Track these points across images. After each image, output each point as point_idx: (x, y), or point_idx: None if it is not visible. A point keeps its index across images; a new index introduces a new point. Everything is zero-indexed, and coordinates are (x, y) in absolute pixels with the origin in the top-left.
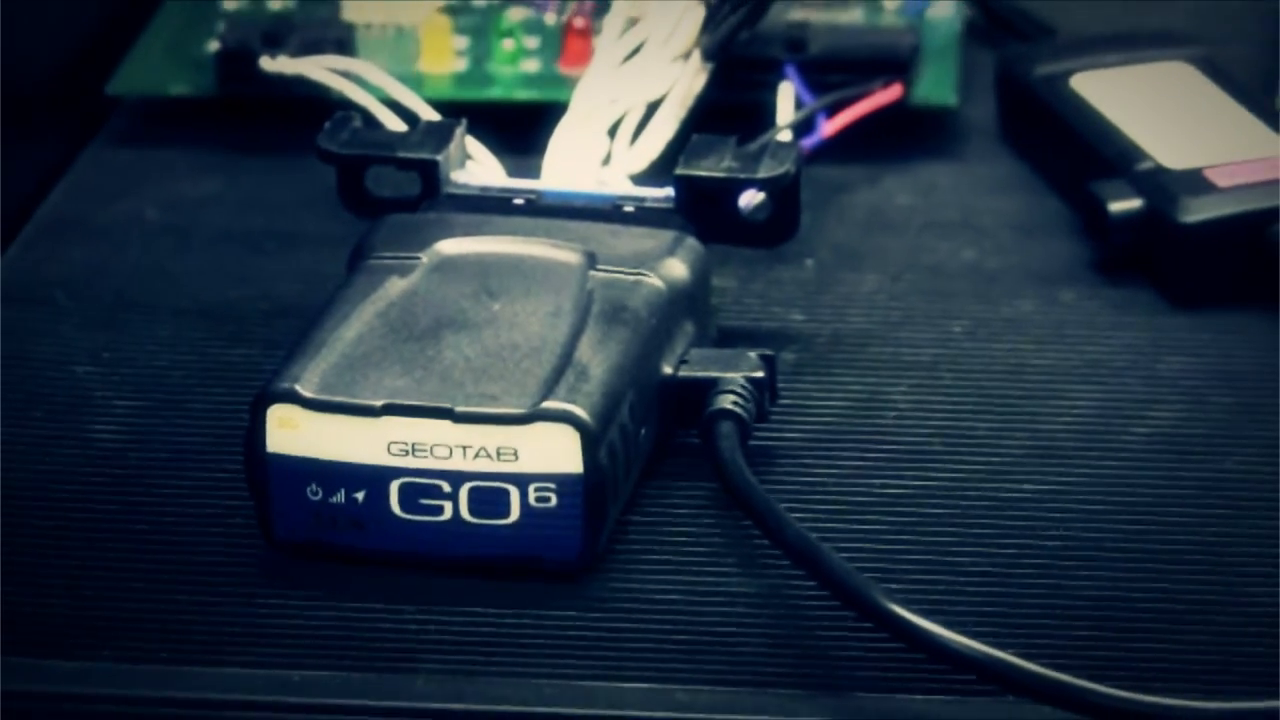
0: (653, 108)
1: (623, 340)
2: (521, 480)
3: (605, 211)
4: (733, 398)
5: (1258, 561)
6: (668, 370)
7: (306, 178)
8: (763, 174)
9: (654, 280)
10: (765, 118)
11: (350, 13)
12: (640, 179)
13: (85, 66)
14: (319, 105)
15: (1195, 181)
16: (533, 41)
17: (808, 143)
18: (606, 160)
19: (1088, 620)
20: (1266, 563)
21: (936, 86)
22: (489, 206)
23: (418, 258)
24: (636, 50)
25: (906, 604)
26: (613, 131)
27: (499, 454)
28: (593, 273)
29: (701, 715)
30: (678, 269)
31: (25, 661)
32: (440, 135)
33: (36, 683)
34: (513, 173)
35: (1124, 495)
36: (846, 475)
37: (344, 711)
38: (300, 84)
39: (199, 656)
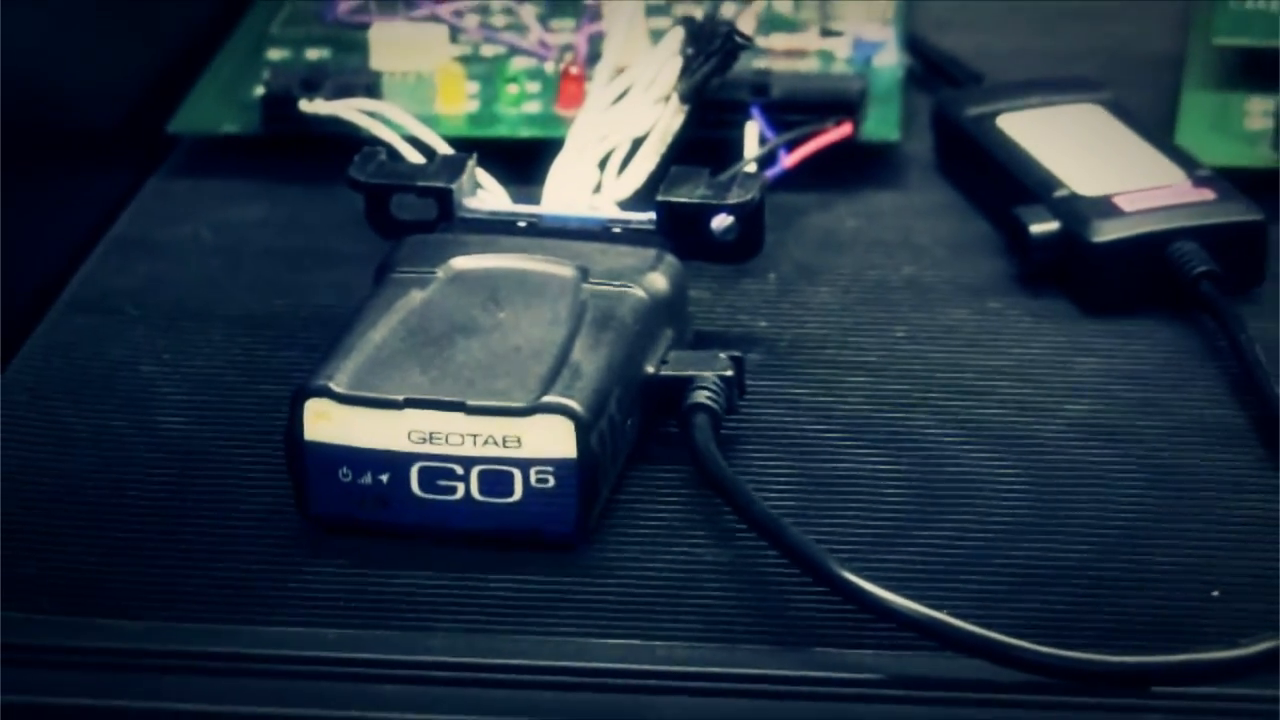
0: (637, 143)
1: (611, 343)
2: (524, 464)
3: (596, 233)
4: (706, 393)
5: (1159, 532)
6: (650, 369)
7: (339, 204)
8: (732, 200)
9: (638, 292)
10: (734, 152)
11: (377, 62)
12: (626, 205)
13: (149, 109)
14: (350, 141)
15: (1104, 207)
16: (534, 86)
17: (770, 173)
18: (597, 189)
19: (1015, 584)
20: (1166, 533)
21: (881, 125)
22: (496, 228)
23: (434, 272)
24: (623, 94)
25: (856, 571)
26: (603, 164)
27: (504, 441)
28: (585, 285)
29: (679, 667)
30: (659, 282)
31: (95, 622)
32: (454, 167)
33: (108, 640)
34: (516, 199)
35: (1045, 476)
36: (805, 460)
37: (370, 665)
38: (334, 123)
39: (246, 616)
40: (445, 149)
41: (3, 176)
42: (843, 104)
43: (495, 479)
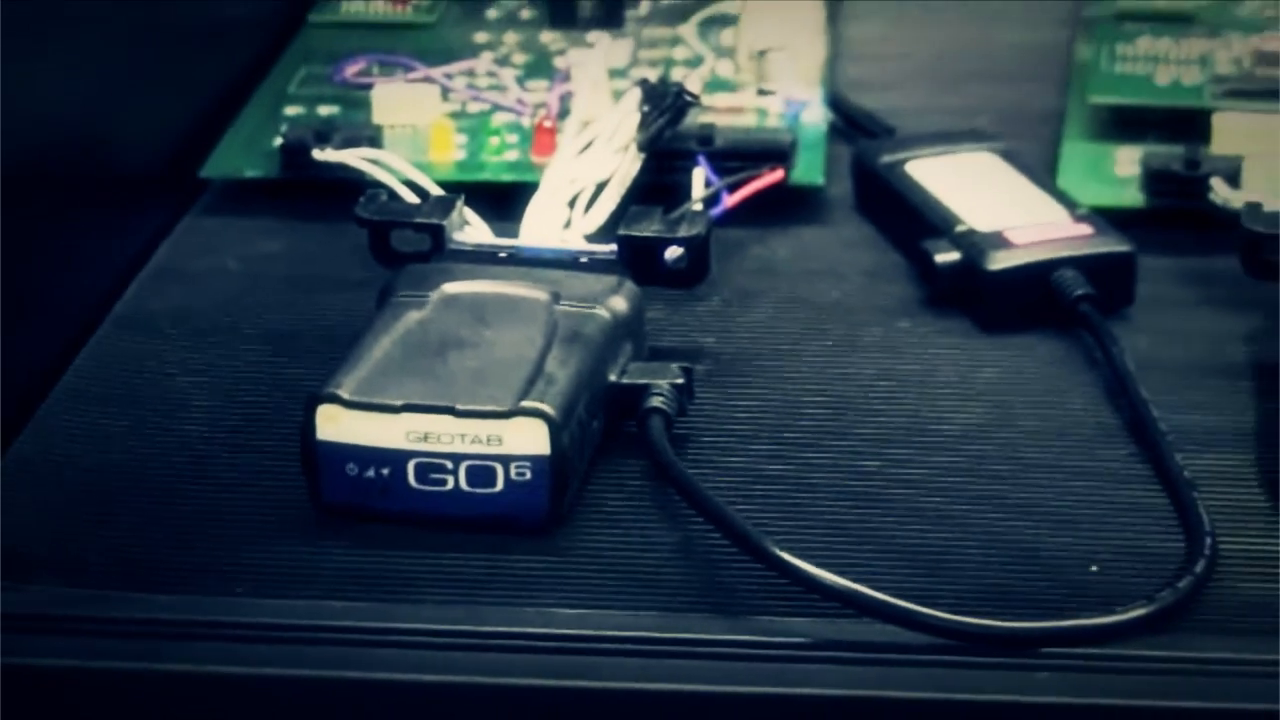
0: (601, 186)
1: (579, 356)
2: (505, 460)
3: (566, 262)
4: (660, 399)
5: (1046, 516)
6: (612, 378)
7: (346, 238)
8: (682, 234)
9: (602, 312)
10: (683, 194)
11: (379, 117)
12: (592, 238)
13: (184, 157)
14: (356, 185)
15: (998, 240)
16: (513, 138)
17: (714, 212)
18: (567, 225)
19: (924, 561)
20: (1052, 517)
21: (808, 171)
22: (481, 259)
23: (428, 296)
24: (589, 144)
25: (788, 549)
26: (572, 203)
27: (488, 440)
28: (557, 307)
29: (636, 633)
30: (620, 304)
31: (131, 595)
32: (445, 206)
33: (141, 611)
34: (498, 234)
35: (948, 470)
36: (745, 455)
37: (370, 632)
38: (342, 169)
39: (266, 590)
40: (437, 191)
41: (61, 213)
42: (775, 153)
43: (480, 472)
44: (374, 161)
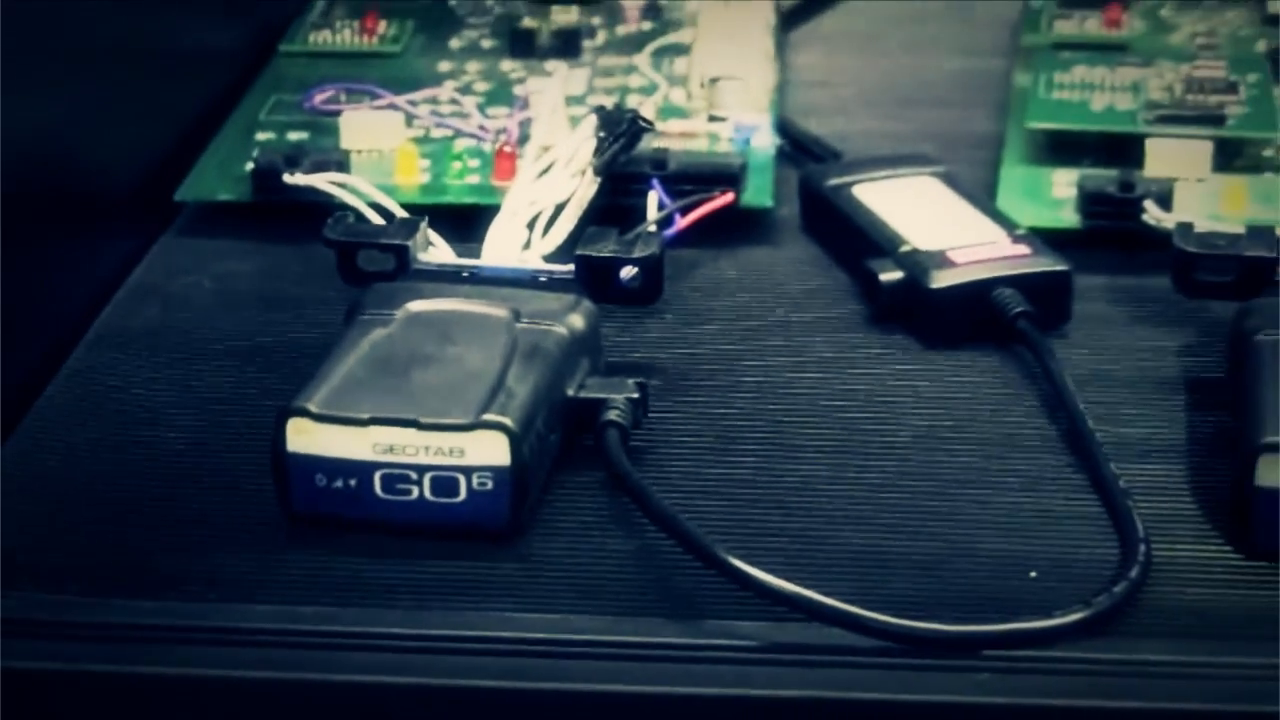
0: (559, 209)
1: (538, 371)
2: (467, 470)
3: (526, 281)
4: (616, 412)
5: (987, 524)
6: (570, 392)
7: (315, 259)
8: (636, 254)
9: (560, 329)
10: (638, 216)
11: (346, 142)
12: (550, 259)
13: (160, 180)
14: (324, 208)
15: (940, 259)
16: (474, 162)
17: (668, 233)
18: (527, 245)
19: (869, 566)
20: (992, 525)
21: (758, 194)
22: (444, 278)
23: (394, 314)
24: (548, 169)
25: (739, 556)
26: (531, 225)
27: (451, 452)
28: (517, 324)
29: (592, 635)
30: (577, 321)
31: (107, 601)
32: (409, 228)
33: (106, 615)
34: (461, 254)
35: (893, 478)
36: (697, 465)
37: (339, 636)
38: (311, 192)
39: (237, 595)
40: (402, 213)
41: (42, 234)
42: (726, 177)
43: (444, 483)
44: (341, 185)
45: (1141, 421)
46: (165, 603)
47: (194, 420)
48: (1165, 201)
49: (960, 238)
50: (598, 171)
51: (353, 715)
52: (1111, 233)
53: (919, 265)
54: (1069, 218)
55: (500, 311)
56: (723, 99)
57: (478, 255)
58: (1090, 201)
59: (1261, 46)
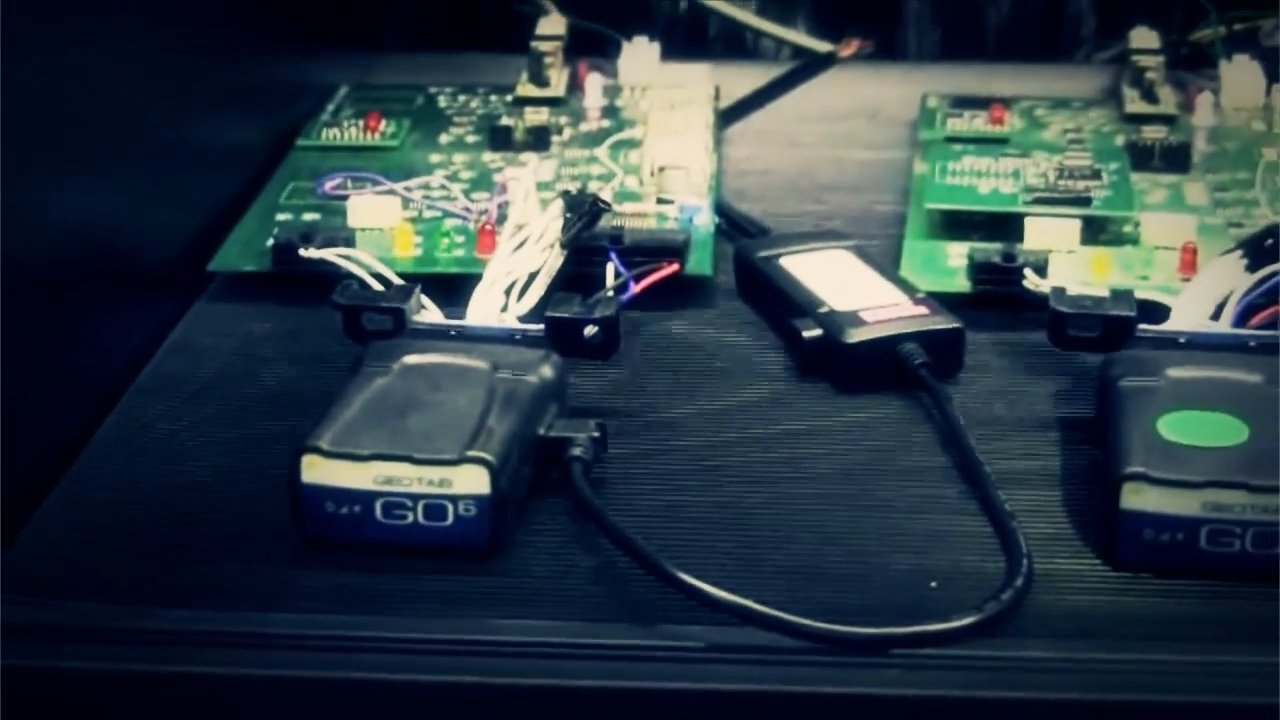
0: (532, 277)
1: (514, 414)
2: (454, 499)
3: (504, 339)
4: (580, 449)
5: (894, 543)
6: (541, 432)
7: (326, 320)
8: (597, 315)
9: (533, 379)
10: (598, 283)
11: (352, 221)
12: (524, 319)
13: (195, 254)
14: (334, 277)
15: (854, 318)
16: (460, 239)
17: (624, 298)
18: (505, 308)
19: (795, 579)
20: (898, 544)
21: (699, 264)
22: (435, 336)
23: (392, 366)
24: (522, 243)
25: (685, 570)
26: (508, 291)
27: (440, 483)
28: (496, 375)
29: (560, 639)
30: (547, 372)
31: (138, 609)
32: (405, 293)
33: (150, 622)
34: (449, 315)
35: (814, 505)
36: (649, 494)
37: (346, 640)
38: (322, 264)
39: (258, 605)
40: (399, 281)
41: (96, 300)
42: (672, 250)
43: (434, 509)
44: (348, 258)
45: (1023, 455)
46: (199, 611)
47: (222, 457)
48: (1041, 270)
49: (870, 300)
50: (564, 246)
51: (358, 709)
52: (997, 296)
53: (836, 324)
54: (961, 284)
55: (482, 364)
56: (669, 185)
57: (463, 316)
58: (979, 270)
59: (1120, 140)
